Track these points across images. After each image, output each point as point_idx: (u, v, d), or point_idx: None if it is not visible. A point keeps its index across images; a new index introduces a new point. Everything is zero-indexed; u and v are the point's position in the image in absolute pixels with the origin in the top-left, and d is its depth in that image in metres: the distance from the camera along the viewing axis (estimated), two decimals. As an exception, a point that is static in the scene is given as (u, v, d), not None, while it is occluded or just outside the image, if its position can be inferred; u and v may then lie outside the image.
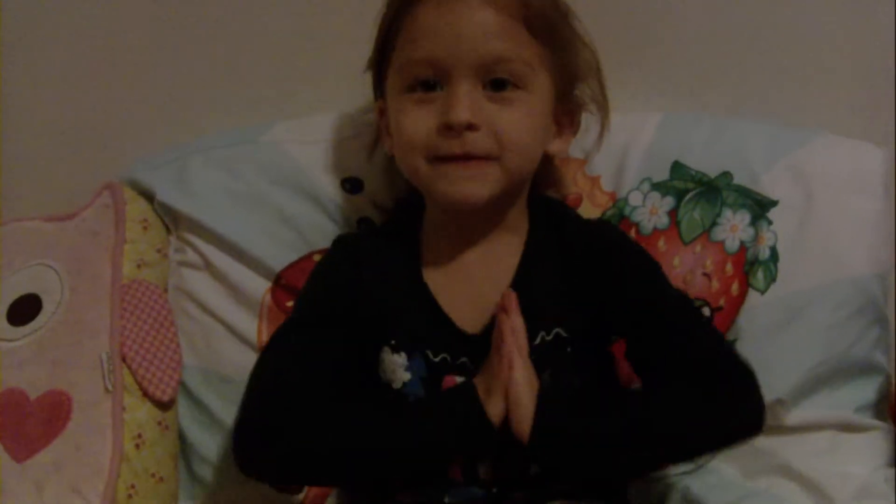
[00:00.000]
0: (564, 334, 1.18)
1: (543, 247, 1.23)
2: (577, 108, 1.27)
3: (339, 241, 1.31)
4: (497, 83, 1.16)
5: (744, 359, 1.16)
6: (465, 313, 1.20)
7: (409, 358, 1.20)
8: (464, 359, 1.19)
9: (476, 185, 1.16)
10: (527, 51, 1.16)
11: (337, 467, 1.13)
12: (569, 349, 1.19)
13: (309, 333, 1.20)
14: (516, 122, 1.16)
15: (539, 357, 1.15)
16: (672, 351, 1.15)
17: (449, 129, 1.14)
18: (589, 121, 1.31)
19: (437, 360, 1.19)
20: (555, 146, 1.25)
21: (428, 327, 1.20)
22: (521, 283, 1.20)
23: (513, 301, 1.14)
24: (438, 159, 1.16)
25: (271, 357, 1.20)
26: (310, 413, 1.13)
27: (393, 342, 1.20)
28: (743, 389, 1.14)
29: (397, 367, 1.20)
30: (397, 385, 1.20)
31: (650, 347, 1.17)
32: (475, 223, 1.22)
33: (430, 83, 1.16)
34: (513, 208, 1.23)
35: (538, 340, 1.17)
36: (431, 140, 1.16)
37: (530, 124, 1.18)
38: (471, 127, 1.14)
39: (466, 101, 1.14)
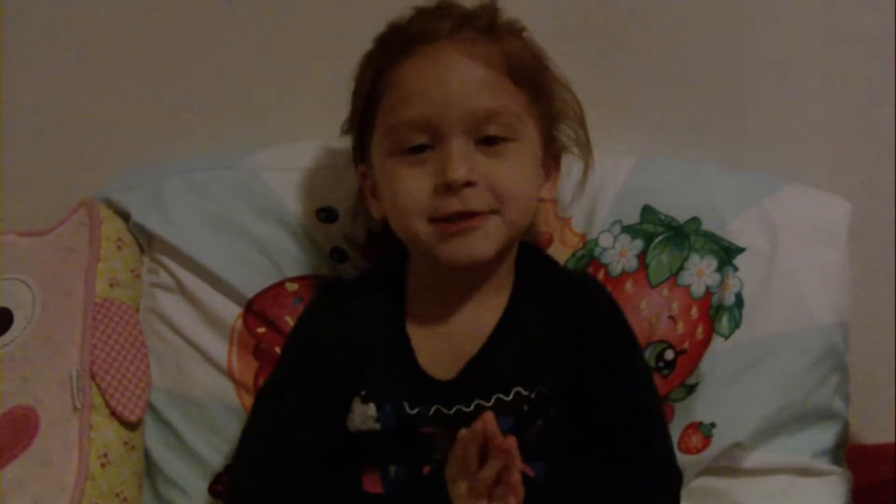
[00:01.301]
0: (546, 392, 1.18)
1: (527, 303, 1.23)
2: (561, 151, 1.29)
3: (324, 290, 1.31)
4: (489, 138, 1.16)
5: (677, 465, 1.18)
6: (442, 364, 1.21)
7: (379, 409, 1.19)
8: (437, 406, 1.18)
9: (479, 241, 1.16)
10: (514, 102, 1.17)
11: None
12: (552, 407, 1.18)
13: (293, 399, 1.21)
14: (512, 175, 1.17)
15: (520, 413, 1.17)
16: (618, 441, 1.16)
17: (447, 188, 1.14)
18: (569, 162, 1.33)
19: (413, 412, 1.18)
20: (545, 192, 1.26)
21: (404, 380, 1.20)
22: (500, 337, 1.21)
23: (492, 423, 1.07)
24: (439, 219, 1.16)
25: (258, 425, 1.22)
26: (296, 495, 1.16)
27: (363, 393, 1.20)
28: (666, 495, 1.17)
29: (367, 417, 1.19)
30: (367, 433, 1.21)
31: (602, 425, 1.17)
32: (465, 280, 1.22)
33: (422, 144, 1.16)
34: (504, 263, 1.23)
35: (511, 396, 1.17)
36: (430, 201, 1.15)
37: (525, 174, 1.19)
38: (469, 184, 1.14)
39: (462, 158, 1.14)
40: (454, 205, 1.14)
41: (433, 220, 1.16)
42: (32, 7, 1.50)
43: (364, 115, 1.23)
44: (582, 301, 1.24)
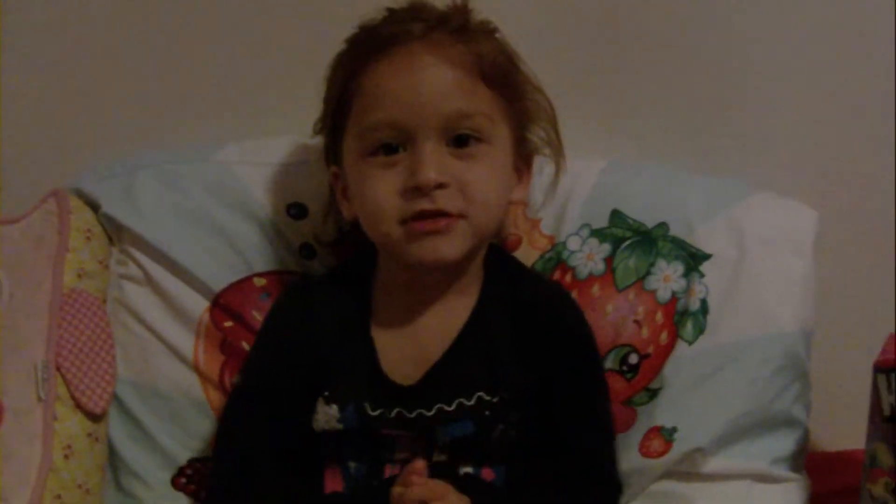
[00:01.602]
0: (508, 398, 1.19)
1: (493, 307, 1.24)
2: (533, 153, 1.29)
3: (290, 289, 1.32)
4: (460, 139, 1.17)
5: (620, 477, 1.24)
6: (405, 369, 1.22)
7: (341, 410, 1.20)
8: (398, 409, 1.20)
9: (447, 243, 1.16)
10: (486, 104, 1.18)
11: None
12: (513, 412, 1.20)
13: (263, 403, 1.24)
14: (483, 178, 1.17)
15: (481, 418, 1.18)
16: (572, 452, 1.20)
17: (418, 190, 1.14)
18: (540, 164, 1.33)
19: (375, 413, 1.20)
20: (517, 193, 1.27)
21: (366, 383, 1.21)
22: (464, 342, 1.22)
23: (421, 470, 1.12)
24: (409, 219, 1.16)
25: (232, 430, 1.26)
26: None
27: (326, 393, 1.21)
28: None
29: (330, 417, 1.20)
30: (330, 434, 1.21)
31: (558, 434, 1.20)
32: (432, 282, 1.23)
33: (393, 146, 1.17)
34: (472, 265, 1.24)
35: (472, 401, 1.19)
36: (400, 204, 1.16)
37: (496, 177, 1.19)
38: (439, 185, 1.14)
39: (432, 160, 1.14)
40: (423, 204, 1.15)
41: (403, 221, 1.17)
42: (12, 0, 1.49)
43: (336, 117, 1.23)
44: (551, 311, 1.25)
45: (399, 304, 1.24)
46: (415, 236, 1.17)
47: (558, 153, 1.32)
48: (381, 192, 1.17)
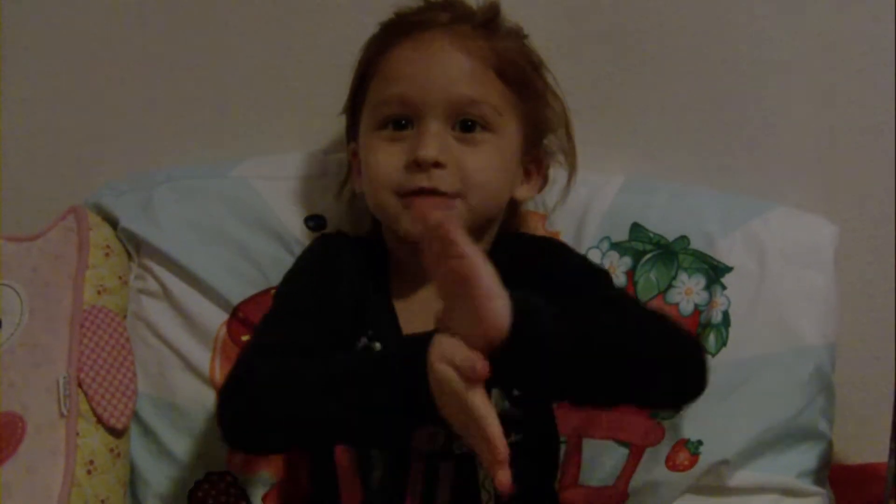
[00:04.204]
0: None
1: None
2: (546, 157, 1.31)
3: (325, 238, 1.34)
4: (466, 124, 1.20)
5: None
6: None
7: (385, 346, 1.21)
8: None
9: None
10: (496, 96, 1.21)
11: (295, 436, 1.10)
12: None
13: (289, 325, 1.19)
14: (482, 163, 1.20)
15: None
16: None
17: (416, 165, 1.17)
18: (555, 174, 1.34)
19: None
20: (522, 192, 1.29)
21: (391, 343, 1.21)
22: None
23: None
24: (405, 194, 1.19)
25: (254, 346, 1.18)
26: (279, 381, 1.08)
27: (370, 332, 1.22)
28: (693, 345, 1.13)
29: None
30: None
31: None
32: None
33: (402, 122, 1.20)
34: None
35: None
36: (399, 176, 1.19)
37: (496, 165, 1.21)
38: (437, 164, 1.17)
39: (435, 139, 1.18)
40: (421, 181, 1.18)
41: (400, 194, 1.19)
42: (30, 13, 1.50)
43: (356, 94, 1.27)
44: (536, 256, 1.25)
45: (410, 286, 1.26)
46: (408, 209, 1.19)
47: (572, 158, 1.34)
48: (383, 164, 1.20)
